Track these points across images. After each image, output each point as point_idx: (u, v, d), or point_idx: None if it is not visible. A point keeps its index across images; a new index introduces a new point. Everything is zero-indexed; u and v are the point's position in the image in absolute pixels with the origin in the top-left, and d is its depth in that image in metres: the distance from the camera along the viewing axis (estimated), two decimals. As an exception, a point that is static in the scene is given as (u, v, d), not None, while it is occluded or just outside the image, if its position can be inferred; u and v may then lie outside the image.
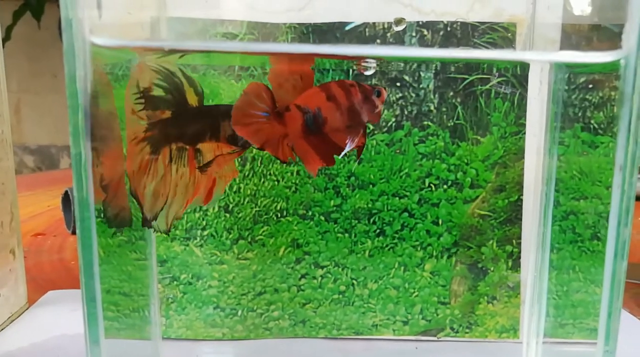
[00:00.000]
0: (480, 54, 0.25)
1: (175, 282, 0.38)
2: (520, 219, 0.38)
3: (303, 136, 0.29)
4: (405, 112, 0.38)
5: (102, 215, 0.27)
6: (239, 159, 0.37)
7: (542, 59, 0.27)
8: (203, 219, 0.38)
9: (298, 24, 0.37)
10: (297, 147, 0.29)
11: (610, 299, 0.23)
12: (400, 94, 0.38)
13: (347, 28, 0.37)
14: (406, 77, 0.37)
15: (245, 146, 0.30)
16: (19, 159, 2.12)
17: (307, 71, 0.30)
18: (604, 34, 0.26)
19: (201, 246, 0.38)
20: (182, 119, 0.30)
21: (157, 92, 0.29)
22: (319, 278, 0.39)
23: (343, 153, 0.30)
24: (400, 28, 0.36)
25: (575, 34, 0.30)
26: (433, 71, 0.37)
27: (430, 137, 0.38)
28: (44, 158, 2.18)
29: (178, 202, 0.31)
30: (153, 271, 0.33)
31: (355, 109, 0.30)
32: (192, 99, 0.30)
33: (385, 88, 0.34)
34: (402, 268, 0.39)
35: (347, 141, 0.30)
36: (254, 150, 0.38)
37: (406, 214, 0.39)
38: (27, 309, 0.44)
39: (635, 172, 0.21)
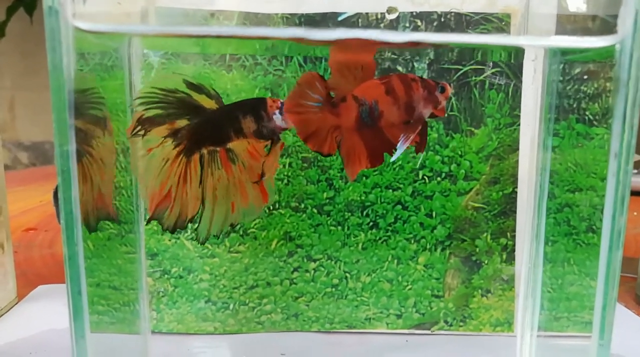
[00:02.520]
0: (472, 39, 0.24)
1: (166, 276, 0.38)
2: (515, 212, 0.38)
3: (356, 129, 0.29)
4: (399, 104, 0.37)
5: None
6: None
7: (535, 44, 0.26)
8: (194, 212, 0.37)
9: (290, 14, 0.36)
10: (345, 142, 0.29)
11: (605, 290, 0.23)
12: (394, 85, 0.37)
13: (340, 18, 0.37)
14: (399, 68, 0.37)
15: (272, 135, 0.30)
16: (13, 156, 2.10)
17: (368, 62, 0.29)
18: (599, 24, 0.26)
19: (192, 239, 0.38)
20: (203, 123, 0.30)
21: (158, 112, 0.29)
22: (312, 271, 0.39)
23: (398, 153, 0.29)
24: (392, 16, 0.36)
25: (570, 25, 0.30)
26: (427, 62, 0.37)
27: (423, 129, 0.37)
28: (38, 155, 2.16)
29: (222, 207, 0.30)
30: (142, 265, 0.32)
31: (415, 104, 0.29)
32: (208, 103, 0.30)
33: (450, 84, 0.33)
34: (396, 261, 0.39)
35: (400, 138, 0.29)
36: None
37: (399, 206, 0.38)
38: (16, 303, 0.43)
39: (631, 160, 0.21)
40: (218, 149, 0.30)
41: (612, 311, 0.23)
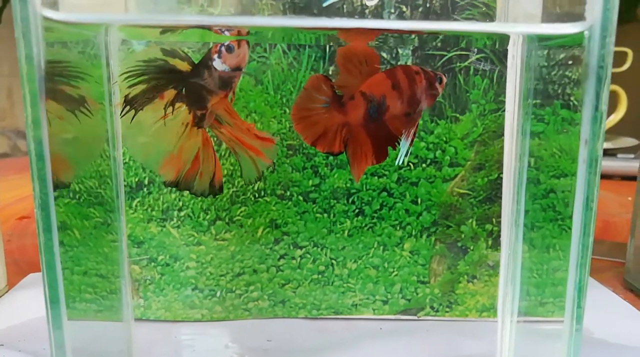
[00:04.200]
0: (439, 26, 0.24)
1: (152, 264, 0.38)
2: (500, 198, 0.38)
3: (362, 125, 0.29)
4: (383, 90, 0.37)
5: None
6: (215, 139, 0.37)
7: (502, 30, 0.26)
8: (179, 200, 0.37)
9: (275, 0, 0.36)
10: (352, 141, 0.29)
11: (579, 275, 0.23)
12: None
13: (325, 4, 0.36)
14: (384, 54, 0.37)
15: (226, 85, 0.30)
16: (13, 143, 2.10)
17: (370, 54, 0.29)
18: (584, 9, 0.26)
19: (178, 227, 0.38)
20: (189, 86, 0.30)
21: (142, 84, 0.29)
22: (298, 258, 0.39)
23: (403, 151, 0.30)
24: (373, 3, 0.35)
25: (556, 9, 0.30)
26: (411, 48, 0.37)
27: (408, 115, 0.37)
28: (37, 142, 2.16)
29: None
30: (124, 252, 0.32)
31: (417, 97, 0.29)
32: (182, 66, 0.29)
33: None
34: (382, 248, 0.39)
35: (403, 131, 0.29)
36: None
37: (385, 193, 0.38)
38: (6, 291, 0.44)
39: (601, 146, 0.21)
40: (208, 108, 0.30)
41: (585, 295, 0.24)
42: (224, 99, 0.30)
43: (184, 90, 0.29)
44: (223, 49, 0.29)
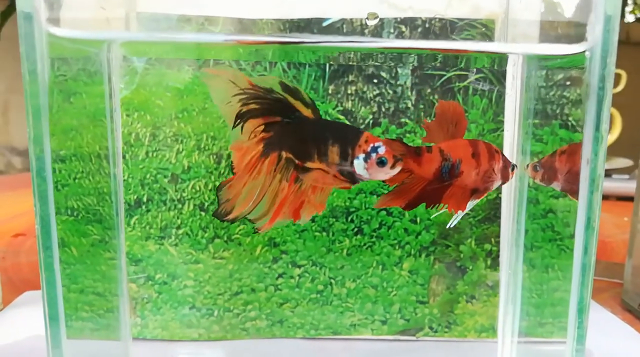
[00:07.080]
0: (439, 45, 0.24)
1: (150, 282, 0.38)
2: (499, 217, 0.38)
3: (430, 179, 0.29)
4: (383, 109, 0.37)
5: None
6: (214, 157, 0.37)
7: (504, 50, 0.26)
8: (178, 218, 0.37)
9: (275, 19, 0.36)
10: (409, 182, 0.29)
11: (580, 294, 0.23)
12: (378, 91, 0.37)
13: (325, 24, 0.37)
14: (383, 74, 0.37)
15: (355, 182, 0.28)
16: (7, 161, 2.09)
17: (464, 122, 0.30)
18: (577, 29, 0.26)
19: (176, 245, 0.38)
20: (295, 128, 0.27)
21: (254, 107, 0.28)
22: (297, 277, 0.39)
23: (458, 219, 0.30)
24: (373, 22, 0.36)
25: (553, 31, 0.30)
26: (410, 68, 0.37)
27: (407, 135, 0.38)
28: (32, 159, 2.15)
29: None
30: (123, 271, 0.32)
31: (490, 175, 0.30)
32: (304, 110, 0.27)
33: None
34: (380, 267, 0.39)
35: (468, 204, 0.30)
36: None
37: (384, 212, 0.38)
38: (1, 310, 0.43)
39: (603, 166, 0.21)
40: (296, 161, 0.27)
41: (587, 315, 0.23)
42: (345, 184, 0.27)
43: (284, 130, 0.27)
44: (374, 156, 0.26)
